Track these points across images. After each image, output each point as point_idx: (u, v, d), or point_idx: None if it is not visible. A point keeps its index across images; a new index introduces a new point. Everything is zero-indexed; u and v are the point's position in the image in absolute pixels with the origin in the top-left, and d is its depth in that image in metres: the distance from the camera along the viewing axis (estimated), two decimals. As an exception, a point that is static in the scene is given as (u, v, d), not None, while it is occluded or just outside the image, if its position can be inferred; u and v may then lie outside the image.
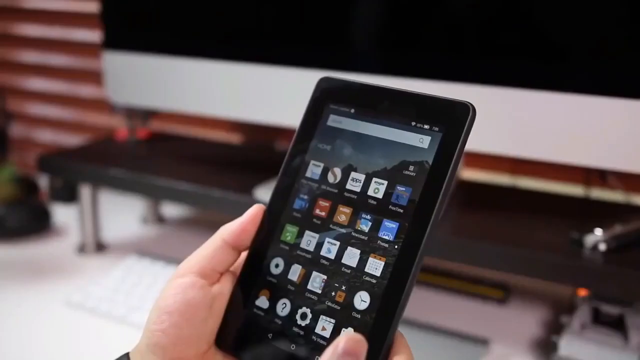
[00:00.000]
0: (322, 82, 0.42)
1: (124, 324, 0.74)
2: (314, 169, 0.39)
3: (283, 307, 0.37)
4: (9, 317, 0.76)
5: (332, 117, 0.40)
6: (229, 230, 0.38)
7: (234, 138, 1.11)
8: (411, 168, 0.36)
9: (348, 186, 0.38)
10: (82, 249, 0.93)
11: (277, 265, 0.38)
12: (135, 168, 0.85)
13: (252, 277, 0.38)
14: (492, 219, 0.70)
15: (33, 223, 0.98)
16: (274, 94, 0.74)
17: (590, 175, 0.81)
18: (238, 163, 0.89)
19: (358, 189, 0.38)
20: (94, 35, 1.17)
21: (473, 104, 0.35)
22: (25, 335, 0.73)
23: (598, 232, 0.62)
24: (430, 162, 0.35)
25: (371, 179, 0.37)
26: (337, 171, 0.38)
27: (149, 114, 1.00)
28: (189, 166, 0.87)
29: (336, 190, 0.38)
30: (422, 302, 0.80)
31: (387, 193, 0.36)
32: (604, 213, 0.72)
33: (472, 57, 0.63)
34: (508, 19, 0.61)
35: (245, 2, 0.75)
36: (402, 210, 0.36)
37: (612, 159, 0.60)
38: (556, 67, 0.60)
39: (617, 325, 0.67)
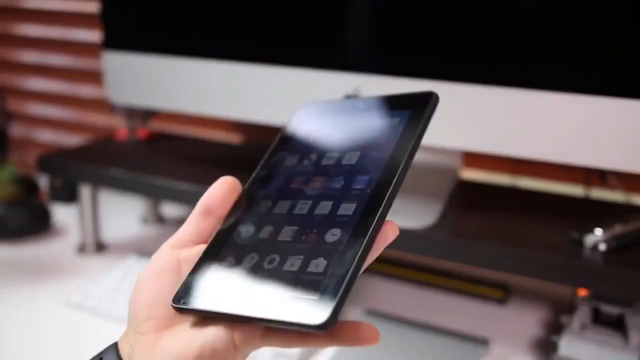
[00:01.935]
0: (302, 104, 0.45)
1: (123, 323, 0.74)
2: (291, 159, 0.41)
3: (251, 260, 0.36)
4: (9, 317, 0.77)
5: (307, 119, 0.43)
6: (201, 199, 0.40)
7: (234, 138, 1.11)
8: (382, 139, 0.38)
9: (323, 163, 0.40)
10: (82, 249, 0.93)
11: (247, 231, 0.38)
12: (135, 168, 0.85)
13: (220, 243, 0.38)
14: (492, 219, 0.70)
15: (33, 223, 0.98)
16: (274, 94, 0.74)
17: (590, 175, 0.81)
18: (238, 163, 0.89)
19: (332, 163, 0.39)
20: (94, 35, 1.17)
21: (434, 92, 0.39)
22: (25, 335, 0.73)
23: (598, 232, 0.62)
24: (399, 132, 0.38)
25: (345, 154, 0.39)
26: (313, 156, 0.40)
27: (149, 114, 1.00)
28: (189, 166, 0.87)
29: (312, 168, 0.40)
30: (422, 302, 0.80)
31: (360, 159, 0.38)
32: (604, 213, 0.72)
33: (472, 57, 0.63)
34: (508, 19, 0.61)
35: (246, 2, 0.75)
36: (373, 167, 0.37)
37: (612, 159, 0.60)
38: (556, 67, 0.60)
39: (617, 325, 0.67)
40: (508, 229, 0.67)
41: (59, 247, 0.95)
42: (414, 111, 0.38)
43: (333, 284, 0.31)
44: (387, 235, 0.34)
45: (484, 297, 0.81)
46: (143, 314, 0.35)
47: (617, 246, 0.62)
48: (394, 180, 0.35)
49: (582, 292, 0.70)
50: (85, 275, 0.86)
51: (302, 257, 0.34)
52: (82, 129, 1.28)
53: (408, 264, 0.87)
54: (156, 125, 1.11)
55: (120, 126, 1.10)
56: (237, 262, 0.36)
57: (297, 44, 0.73)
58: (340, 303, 0.30)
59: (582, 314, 0.68)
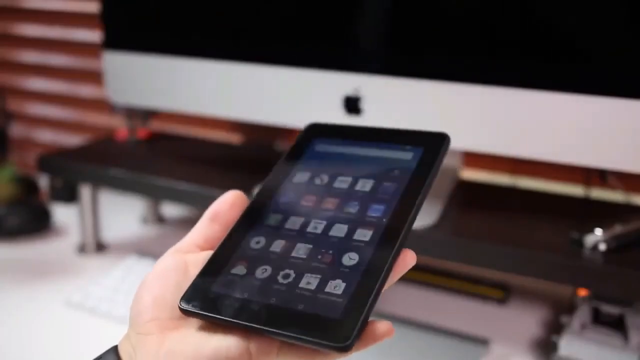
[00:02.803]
0: (310, 125, 0.45)
1: (124, 324, 0.74)
2: (301, 176, 0.41)
3: (263, 272, 0.35)
4: (9, 317, 0.77)
5: (320, 145, 0.43)
6: (211, 206, 0.40)
7: (234, 138, 1.11)
8: (396, 171, 0.39)
9: (335, 185, 0.40)
10: (82, 249, 0.94)
11: (257, 242, 0.37)
12: (135, 168, 0.85)
13: (229, 250, 0.37)
14: (492, 219, 0.70)
15: (33, 223, 0.98)
16: (274, 94, 0.74)
17: (590, 175, 0.81)
18: (238, 163, 0.89)
19: (345, 187, 0.39)
20: (94, 35, 1.17)
21: (446, 133, 0.40)
22: (25, 335, 0.73)
23: (598, 232, 0.62)
24: (414, 166, 0.39)
25: (358, 180, 0.40)
26: (324, 177, 0.40)
27: (149, 114, 1.00)
28: (189, 166, 0.87)
29: (324, 188, 0.40)
30: (422, 302, 0.80)
31: (374, 187, 0.39)
32: (604, 213, 0.72)
33: (472, 57, 0.63)
34: (508, 19, 0.61)
35: (246, 2, 0.75)
36: (388, 197, 0.38)
37: (612, 159, 0.60)
38: (556, 67, 0.60)
39: (617, 325, 0.67)
40: (508, 229, 0.67)
41: (59, 247, 0.95)
42: (428, 148, 0.39)
43: (355, 307, 0.32)
44: (406, 262, 0.35)
45: (484, 297, 0.81)
46: (148, 313, 0.35)
47: (617, 246, 0.62)
48: (413, 211, 0.36)
49: (582, 292, 0.70)
50: (85, 275, 0.86)
51: (319, 276, 0.34)
52: (82, 129, 1.28)
53: (408, 264, 0.87)
54: (156, 125, 1.11)
55: (120, 126, 1.10)
56: (248, 272, 0.36)
57: (298, 44, 0.73)
58: (362, 327, 0.31)
59: (582, 314, 0.68)
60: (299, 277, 0.35)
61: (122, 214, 1.06)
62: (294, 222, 0.38)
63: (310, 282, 0.34)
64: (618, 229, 0.62)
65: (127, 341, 0.36)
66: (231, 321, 0.33)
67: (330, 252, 0.36)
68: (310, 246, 0.36)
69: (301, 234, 0.37)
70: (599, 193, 0.81)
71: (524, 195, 0.79)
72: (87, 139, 1.23)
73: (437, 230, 0.67)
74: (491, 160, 0.90)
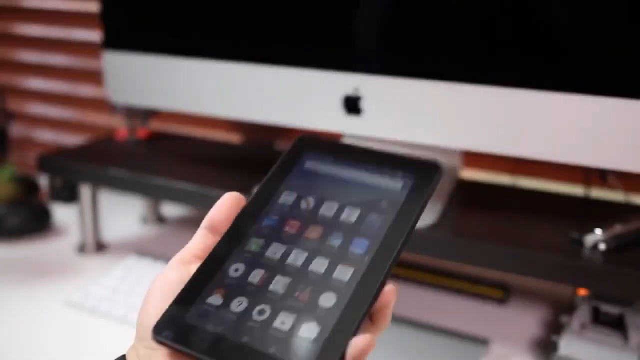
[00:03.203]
0: (301, 137, 0.43)
1: (124, 324, 0.74)
2: (287, 198, 0.40)
3: (239, 304, 0.35)
4: (9, 317, 0.77)
5: (309, 162, 0.41)
6: (208, 215, 0.39)
7: (234, 138, 1.11)
8: (384, 202, 0.38)
9: (321, 212, 0.38)
10: (82, 249, 0.94)
11: (236, 270, 0.37)
12: (135, 168, 0.85)
13: (207, 275, 0.37)
14: (492, 219, 0.70)
15: (33, 223, 0.98)
16: (274, 94, 0.74)
17: (590, 175, 0.81)
18: (238, 163, 0.89)
19: (331, 214, 0.38)
20: (94, 35, 1.17)
21: (440, 162, 0.39)
22: (25, 335, 0.73)
23: (598, 232, 0.62)
24: (403, 199, 0.37)
25: (344, 208, 0.38)
26: (311, 200, 0.39)
27: (149, 114, 1.00)
28: (189, 166, 0.87)
29: (308, 214, 0.38)
30: (422, 302, 0.80)
31: (360, 218, 0.37)
32: (604, 213, 0.72)
33: (473, 57, 0.63)
34: (508, 19, 0.61)
35: (246, 2, 0.75)
36: (374, 232, 0.36)
37: (612, 159, 0.60)
38: (556, 67, 0.60)
39: (617, 325, 0.67)
40: (508, 229, 0.67)
41: (59, 247, 0.95)
42: (419, 180, 0.38)
43: (327, 357, 0.31)
44: (387, 302, 0.34)
45: (484, 297, 0.81)
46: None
47: (617, 246, 0.62)
48: (393, 256, 0.35)
49: (582, 292, 0.70)
50: (85, 275, 0.86)
51: (294, 316, 0.34)
52: (82, 129, 1.28)
53: (408, 264, 0.87)
54: (156, 125, 1.11)
55: (120, 126, 1.10)
56: (224, 303, 0.35)
57: (297, 44, 0.73)
58: None
59: (582, 314, 0.68)
60: (274, 314, 0.34)
61: (122, 214, 1.06)
62: (275, 251, 0.37)
63: (285, 321, 0.33)
64: (618, 229, 0.62)
65: (134, 352, 0.36)
66: (201, 357, 0.33)
67: (309, 289, 0.35)
68: (289, 280, 0.35)
69: (281, 266, 0.36)
70: (599, 193, 0.81)
71: (524, 195, 0.79)
72: (87, 139, 1.23)
73: (437, 230, 0.67)
74: (491, 160, 0.90)
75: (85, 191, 0.91)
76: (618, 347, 0.65)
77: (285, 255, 0.37)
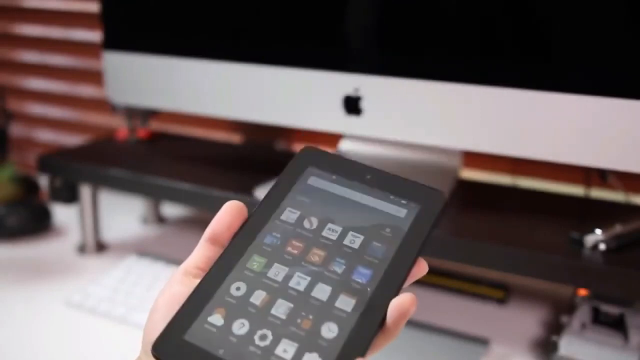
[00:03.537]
0: (305, 150, 0.42)
1: (123, 324, 0.74)
2: (290, 214, 0.39)
3: (240, 327, 0.34)
4: (9, 317, 0.77)
5: (312, 178, 0.41)
6: (209, 226, 0.39)
7: (234, 138, 1.11)
8: (387, 230, 0.38)
9: (324, 234, 0.38)
10: (82, 249, 0.93)
11: (238, 289, 0.36)
12: (135, 168, 0.85)
13: (207, 292, 0.36)
14: (492, 219, 0.70)
15: (33, 223, 0.98)
16: (274, 94, 0.74)
17: (590, 175, 0.81)
18: (238, 163, 0.89)
19: (334, 238, 0.38)
20: (94, 35, 1.17)
21: (444, 192, 0.39)
22: (25, 335, 0.73)
23: (598, 232, 0.62)
24: (406, 229, 0.37)
25: (348, 232, 0.38)
26: (314, 220, 0.39)
27: (149, 114, 1.00)
28: (189, 166, 0.87)
29: (311, 235, 0.38)
30: (422, 302, 0.80)
31: (363, 245, 0.37)
32: (604, 213, 0.72)
33: (473, 57, 0.63)
34: (508, 19, 0.61)
35: (246, 3, 0.75)
36: (377, 261, 0.36)
37: (612, 159, 0.60)
38: (556, 67, 0.60)
39: (617, 325, 0.67)
40: (508, 229, 0.67)
41: (59, 247, 0.95)
42: (422, 209, 0.38)
43: None
44: (392, 332, 0.34)
45: (484, 297, 0.81)
46: None
47: (617, 246, 0.62)
48: (397, 285, 0.35)
49: (582, 292, 0.70)
50: (85, 275, 0.86)
51: (296, 345, 0.33)
52: (82, 129, 1.28)
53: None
54: (156, 125, 1.11)
55: (120, 126, 1.10)
56: (225, 324, 0.34)
57: (297, 44, 0.73)
58: None
59: (582, 314, 0.68)
60: (276, 341, 0.34)
61: (122, 214, 1.06)
62: (277, 272, 0.36)
63: (286, 349, 0.33)
64: (618, 229, 0.62)
65: None
66: None
67: (311, 317, 0.34)
68: (292, 305, 0.35)
69: (283, 289, 0.36)
70: (599, 193, 0.81)
71: (524, 195, 0.79)
72: (87, 139, 1.23)
73: (437, 230, 0.67)
74: (491, 160, 0.90)
75: (85, 191, 0.91)
76: (618, 347, 0.65)
77: (287, 277, 0.36)
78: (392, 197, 0.39)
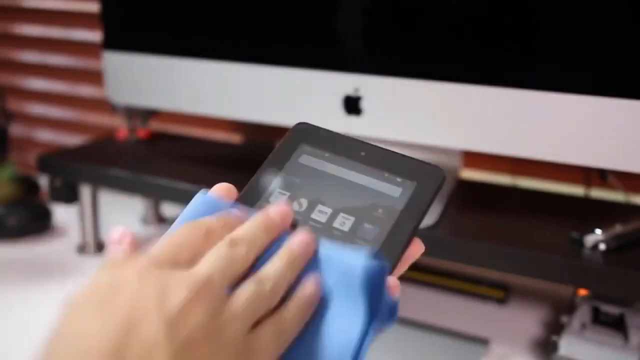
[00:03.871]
0: (299, 125, 0.41)
1: (124, 324, 0.74)
2: (279, 196, 0.38)
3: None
4: (9, 317, 0.76)
5: (304, 156, 0.40)
6: None
7: (234, 138, 1.11)
8: (380, 210, 0.36)
9: (313, 216, 0.37)
10: (82, 249, 0.93)
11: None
12: (135, 168, 0.85)
13: None
14: (492, 219, 0.70)
15: (33, 223, 0.98)
16: (274, 94, 0.74)
17: (590, 175, 0.81)
18: (238, 163, 0.89)
19: (324, 220, 0.37)
20: (94, 35, 1.17)
21: (442, 169, 0.37)
22: (25, 335, 0.73)
23: (598, 232, 0.62)
24: (400, 209, 0.36)
25: (338, 214, 0.37)
26: (304, 201, 0.38)
27: (149, 114, 1.00)
28: (189, 166, 0.87)
29: (300, 218, 0.37)
30: (422, 302, 0.80)
31: (353, 228, 0.36)
32: (604, 213, 0.72)
33: (473, 57, 0.63)
34: (508, 18, 0.61)
35: (246, 3, 0.75)
36: (367, 244, 0.35)
37: (612, 159, 0.60)
38: (556, 67, 0.60)
39: (617, 325, 0.67)
40: (508, 229, 0.67)
41: (59, 247, 0.95)
42: (418, 187, 0.36)
43: None
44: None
45: (484, 297, 0.81)
46: None
47: (617, 246, 0.62)
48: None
49: (582, 292, 0.70)
50: (85, 275, 0.86)
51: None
52: (82, 129, 1.28)
53: (408, 264, 0.87)
54: (156, 125, 1.11)
55: (120, 126, 1.09)
56: None
57: (297, 44, 0.73)
58: None
59: (582, 314, 0.68)
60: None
61: (122, 214, 1.06)
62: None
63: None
64: (618, 229, 0.62)
65: None
66: None
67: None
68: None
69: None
70: (599, 193, 0.81)
71: (524, 195, 0.79)
72: (87, 139, 1.23)
73: (437, 230, 0.67)
74: (491, 160, 0.90)
75: (85, 191, 0.91)
76: (618, 347, 0.65)
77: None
78: (387, 175, 0.38)
